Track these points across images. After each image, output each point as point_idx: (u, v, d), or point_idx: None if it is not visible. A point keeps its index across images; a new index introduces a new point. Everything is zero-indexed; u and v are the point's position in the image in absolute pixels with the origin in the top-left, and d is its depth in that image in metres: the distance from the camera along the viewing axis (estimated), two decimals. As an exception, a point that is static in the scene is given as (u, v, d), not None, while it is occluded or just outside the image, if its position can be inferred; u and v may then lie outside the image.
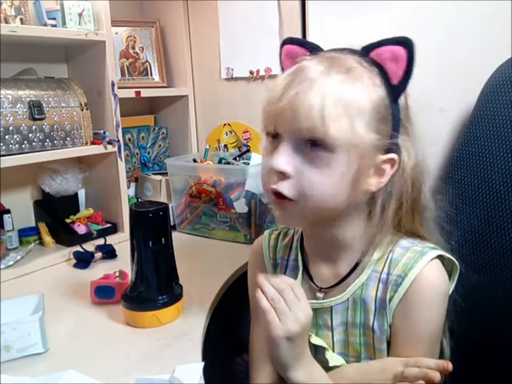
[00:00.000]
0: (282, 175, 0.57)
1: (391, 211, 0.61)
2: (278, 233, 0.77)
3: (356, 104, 0.56)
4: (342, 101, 0.55)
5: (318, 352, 0.66)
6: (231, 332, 1.16)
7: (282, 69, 0.65)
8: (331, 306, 0.66)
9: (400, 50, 0.57)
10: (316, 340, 0.65)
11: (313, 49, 0.64)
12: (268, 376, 0.71)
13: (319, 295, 0.67)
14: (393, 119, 0.59)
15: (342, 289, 0.65)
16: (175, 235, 0.90)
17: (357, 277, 0.65)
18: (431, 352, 0.62)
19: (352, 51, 0.61)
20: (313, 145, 0.56)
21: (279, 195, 0.59)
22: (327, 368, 0.64)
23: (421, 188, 0.64)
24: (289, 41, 0.66)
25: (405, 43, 0.57)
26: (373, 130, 0.57)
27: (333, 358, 0.65)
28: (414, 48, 0.57)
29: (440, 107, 1.02)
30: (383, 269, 0.63)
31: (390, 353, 0.63)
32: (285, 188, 0.58)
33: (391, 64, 0.58)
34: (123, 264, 1.00)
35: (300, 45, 0.65)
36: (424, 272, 0.60)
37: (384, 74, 0.58)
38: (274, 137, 0.60)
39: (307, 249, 0.71)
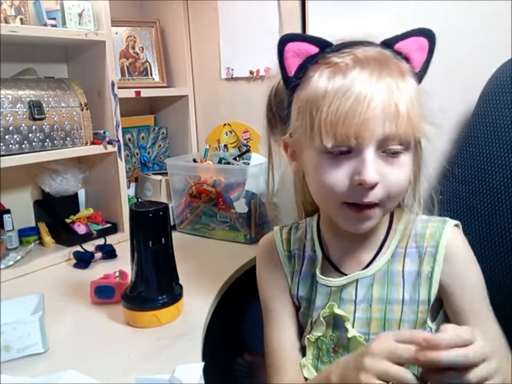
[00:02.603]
0: (372, 186, 0.57)
1: (420, 187, 0.66)
2: (289, 228, 0.77)
3: (419, 98, 0.58)
4: (414, 100, 0.57)
5: (338, 326, 0.67)
6: (231, 331, 1.17)
7: (285, 69, 0.61)
8: (357, 280, 0.67)
9: (423, 41, 0.62)
10: (338, 310, 0.66)
11: (323, 44, 0.60)
12: (296, 376, 0.70)
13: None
14: None
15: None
16: (175, 235, 0.90)
17: (382, 254, 0.67)
18: (488, 304, 0.66)
19: (373, 44, 0.61)
20: (395, 149, 0.57)
21: (366, 205, 0.59)
22: (345, 339, 0.66)
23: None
24: (291, 38, 0.61)
25: (428, 34, 0.62)
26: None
27: (352, 330, 0.65)
28: (435, 38, 0.62)
29: (440, 107, 1.02)
30: (407, 245, 0.67)
31: (454, 313, 0.65)
32: (375, 196, 0.58)
33: (416, 53, 0.61)
34: (123, 264, 1.00)
35: (308, 41, 0.60)
36: (453, 236, 0.65)
37: (408, 62, 0.61)
38: (341, 152, 0.57)
39: (327, 239, 0.72)
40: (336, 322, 0.67)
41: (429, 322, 0.66)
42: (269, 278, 0.76)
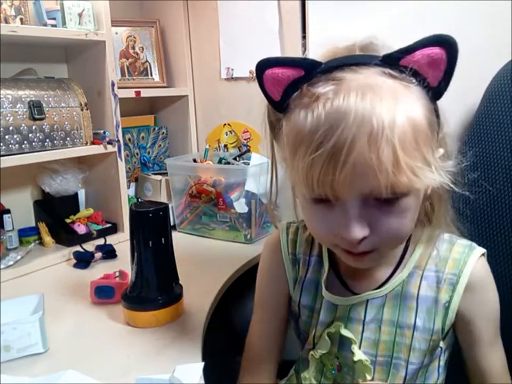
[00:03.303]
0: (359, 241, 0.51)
1: (444, 205, 0.60)
2: (296, 227, 0.72)
3: (421, 135, 0.49)
4: (410, 142, 0.47)
5: (344, 345, 0.64)
6: (231, 331, 1.16)
7: (268, 95, 0.55)
8: (367, 300, 0.62)
9: (438, 53, 0.49)
10: (345, 332, 0.62)
11: (308, 66, 0.52)
12: (269, 377, 0.71)
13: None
14: (437, 117, 0.55)
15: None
16: (175, 235, 0.90)
17: (398, 273, 0.62)
18: (498, 328, 0.64)
19: (372, 62, 0.51)
20: (386, 198, 0.49)
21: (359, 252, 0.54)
22: (351, 360, 0.62)
23: None
24: (268, 64, 0.54)
25: (445, 42, 0.49)
26: (435, 146, 0.52)
27: (359, 353, 0.62)
28: (455, 46, 0.49)
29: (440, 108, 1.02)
30: (426, 266, 0.62)
31: (467, 341, 0.64)
32: (367, 245, 0.52)
33: (429, 69, 0.50)
34: (123, 264, 1.00)
35: (288, 67, 0.53)
36: (478, 267, 0.61)
37: (421, 79, 0.51)
38: (325, 200, 0.51)
39: None
40: (342, 343, 0.64)
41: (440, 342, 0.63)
42: (268, 278, 0.73)
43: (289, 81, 0.53)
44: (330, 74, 0.51)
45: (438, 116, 0.55)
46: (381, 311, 0.62)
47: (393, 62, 0.50)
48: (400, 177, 0.47)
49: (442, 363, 0.65)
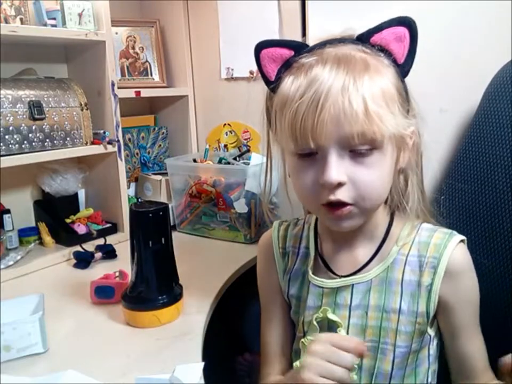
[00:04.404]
0: (338, 185, 0.56)
1: (415, 186, 0.65)
2: (288, 224, 0.77)
3: (387, 94, 0.57)
4: (377, 95, 0.55)
5: (332, 329, 0.65)
6: (231, 331, 1.16)
7: (264, 75, 0.63)
8: (352, 284, 0.65)
9: (402, 31, 0.60)
10: (332, 316, 0.65)
11: (297, 47, 0.61)
12: (283, 372, 0.73)
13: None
14: (406, 95, 0.62)
15: (365, 271, 0.66)
16: (175, 235, 0.90)
17: (382, 260, 0.65)
18: (477, 316, 0.67)
19: (348, 40, 0.60)
20: (360, 148, 0.56)
21: (336, 205, 0.58)
22: None
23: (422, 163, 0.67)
24: (266, 44, 0.63)
25: (406, 22, 0.60)
26: (404, 111, 0.59)
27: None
28: (415, 25, 0.60)
29: (440, 107, 1.02)
30: (409, 252, 0.65)
31: (448, 328, 0.66)
32: (344, 194, 0.57)
33: (395, 45, 0.60)
34: (123, 264, 1.00)
35: (281, 46, 0.62)
36: (457, 252, 0.64)
37: (389, 55, 0.60)
38: (309, 154, 0.58)
39: (323, 238, 0.71)
40: (330, 327, 0.66)
41: (427, 328, 0.65)
42: (264, 275, 0.77)
43: (283, 60, 0.61)
44: (312, 51, 0.60)
45: (406, 91, 0.62)
46: (367, 297, 0.65)
47: (365, 38, 0.60)
48: (370, 125, 0.54)
49: (432, 352, 0.67)
